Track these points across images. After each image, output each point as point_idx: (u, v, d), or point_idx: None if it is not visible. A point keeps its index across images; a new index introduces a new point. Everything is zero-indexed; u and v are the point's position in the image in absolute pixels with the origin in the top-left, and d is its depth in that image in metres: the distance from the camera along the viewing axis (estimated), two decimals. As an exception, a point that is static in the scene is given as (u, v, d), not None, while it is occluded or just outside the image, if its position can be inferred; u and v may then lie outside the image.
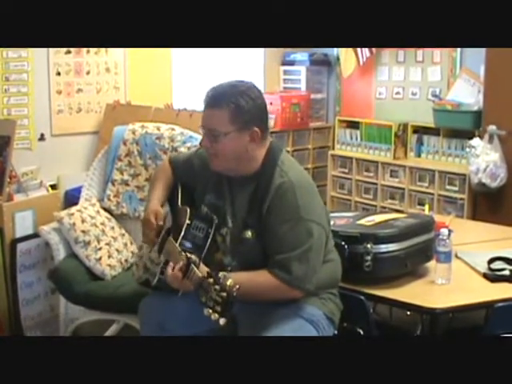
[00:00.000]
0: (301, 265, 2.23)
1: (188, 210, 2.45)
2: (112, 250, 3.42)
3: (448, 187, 4.79)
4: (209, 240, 2.38)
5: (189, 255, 2.20)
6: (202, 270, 2.16)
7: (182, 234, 2.37)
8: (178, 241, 2.35)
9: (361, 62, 5.47)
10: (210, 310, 1.98)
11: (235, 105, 2.26)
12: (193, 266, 2.15)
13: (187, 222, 2.40)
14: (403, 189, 5.10)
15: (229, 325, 2.02)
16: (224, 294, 1.96)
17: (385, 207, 5.20)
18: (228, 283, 1.98)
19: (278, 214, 2.26)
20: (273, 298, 2.30)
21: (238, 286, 1.98)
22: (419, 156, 5.17)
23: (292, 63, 5.93)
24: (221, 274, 2.02)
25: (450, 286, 2.63)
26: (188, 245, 2.33)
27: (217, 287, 1.98)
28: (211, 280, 2.01)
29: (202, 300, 2.02)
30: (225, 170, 2.38)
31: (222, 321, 1.97)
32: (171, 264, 2.24)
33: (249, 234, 2.31)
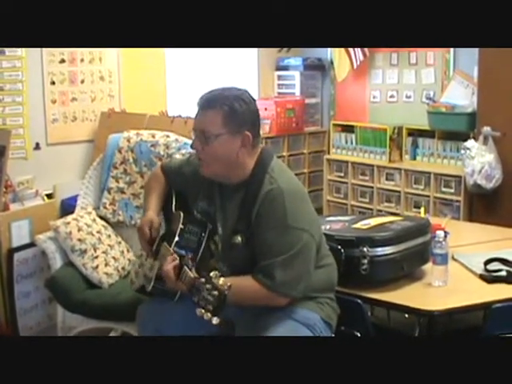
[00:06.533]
0: (284, 271, 2.23)
1: (182, 215, 2.46)
2: (109, 258, 3.42)
3: (444, 189, 4.80)
4: (203, 244, 2.39)
5: (181, 254, 2.23)
6: (194, 272, 2.17)
7: (176, 238, 2.38)
8: (172, 245, 2.36)
9: (354, 66, 5.48)
10: (203, 310, 1.99)
11: (229, 107, 2.27)
12: (185, 267, 2.16)
13: (180, 226, 2.41)
14: (399, 192, 5.11)
15: (225, 329, 2.02)
16: (216, 293, 1.98)
17: (381, 210, 5.21)
18: (220, 282, 1.99)
19: (266, 221, 2.26)
20: (258, 304, 2.31)
21: (229, 284, 2.00)
22: (414, 159, 5.18)
23: (286, 68, 5.94)
24: (212, 273, 2.03)
25: (447, 287, 2.64)
26: (182, 249, 2.34)
27: (208, 286, 1.99)
28: (203, 280, 2.02)
29: (194, 300, 2.03)
30: (214, 175, 2.38)
31: (214, 320, 1.98)
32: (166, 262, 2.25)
33: (238, 239, 2.31)
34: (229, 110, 2.27)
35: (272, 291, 2.24)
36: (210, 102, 2.30)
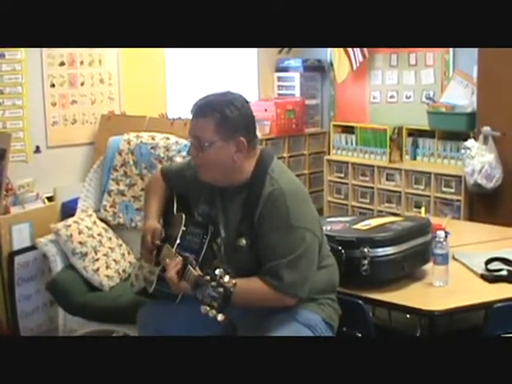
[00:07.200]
0: (291, 272, 2.23)
1: (183, 217, 2.46)
2: (109, 261, 3.42)
3: (444, 189, 4.80)
4: (205, 245, 2.39)
5: (185, 255, 2.22)
6: (198, 270, 2.17)
7: (178, 240, 2.38)
8: (175, 246, 2.36)
9: (354, 67, 5.48)
10: (208, 308, 1.98)
11: (220, 114, 2.26)
12: (189, 266, 2.16)
13: (182, 228, 2.41)
14: (399, 192, 5.11)
15: (228, 329, 2.01)
16: (221, 290, 1.97)
17: (381, 211, 5.20)
18: (225, 279, 1.99)
19: (269, 222, 2.26)
20: (266, 305, 2.31)
21: (234, 282, 1.99)
22: (415, 159, 5.18)
23: (286, 70, 5.94)
24: (217, 271, 2.02)
25: (448, 287, 2.63)
26: (184, 251, 2.34)
27: (214, 283, 1.99)
28: (208, 277, 2.01)
29: (198, 297, 2.02)
30: (212, 180, 2.38)
31: (219, 316, 1.97)
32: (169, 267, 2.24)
33: (243, 241, 2.31)
34: (220, 117, 2.27)
35: (280, 292, 2.24)
36: (201, 110, 2.31)
